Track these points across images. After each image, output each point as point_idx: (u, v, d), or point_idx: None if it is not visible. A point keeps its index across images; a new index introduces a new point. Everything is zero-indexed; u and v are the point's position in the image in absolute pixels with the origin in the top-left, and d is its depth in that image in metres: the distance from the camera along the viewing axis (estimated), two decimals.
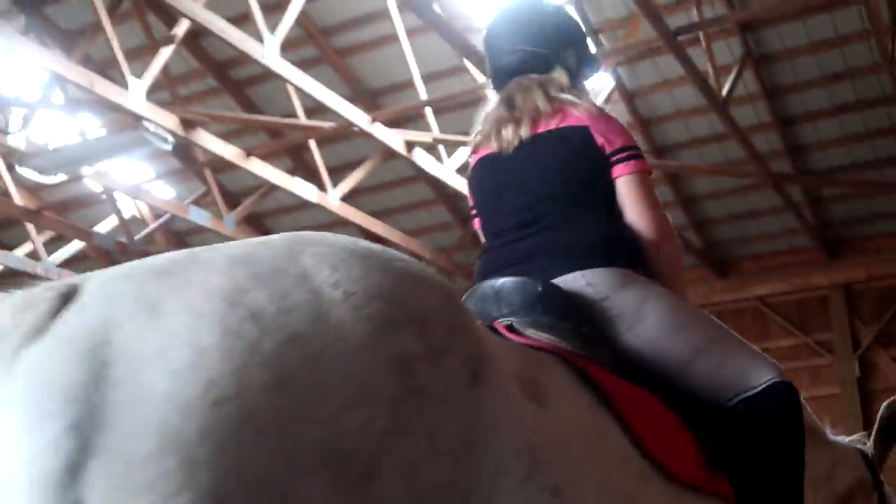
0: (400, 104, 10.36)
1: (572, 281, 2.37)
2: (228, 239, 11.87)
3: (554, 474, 1.72)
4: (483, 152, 2.69)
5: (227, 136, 10.01)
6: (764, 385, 2.30)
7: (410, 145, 9.84)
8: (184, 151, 11.56)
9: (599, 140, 2.52)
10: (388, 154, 10.26)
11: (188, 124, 8.80)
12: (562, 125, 2.54)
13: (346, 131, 9.77)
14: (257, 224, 13.02)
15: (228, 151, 9.47)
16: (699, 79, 8.71)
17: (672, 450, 2.09)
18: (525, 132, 2.56)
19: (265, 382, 1.36)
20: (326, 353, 1.42)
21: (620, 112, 10.39)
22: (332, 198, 10.39)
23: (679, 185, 11.93)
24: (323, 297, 1.46)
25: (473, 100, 8.70)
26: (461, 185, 10.47)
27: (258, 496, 1.33)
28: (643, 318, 2.35)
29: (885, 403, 3.38)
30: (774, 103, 10.67)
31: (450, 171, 10.28)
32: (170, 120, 8.53)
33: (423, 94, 9.47)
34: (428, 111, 9.88)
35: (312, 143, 10.22)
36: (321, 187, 10.35)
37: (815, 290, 12.40)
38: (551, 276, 2.37)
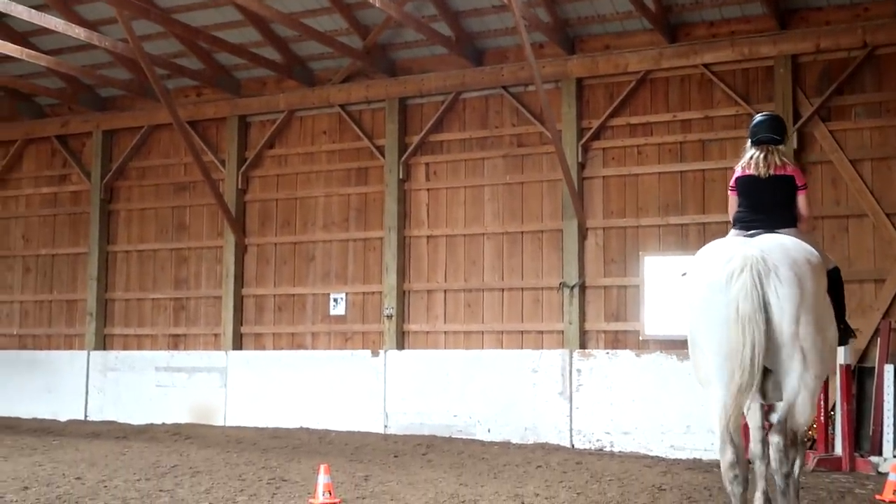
0: None
1: (784, 230, 6.47)
2: None
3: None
4: (747, 172, 6.76)
5: None
6: (832, 266, 6.60)
7: None
8: None
9: (797, 181, 6.77)
10: None
11: None
12: (786, 173, 6.73)
13: None
14: None
15: None
16: None
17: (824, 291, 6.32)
18: (772, 172, 6.69)
19: (817, 279, 6.15)
20: (820, 269, 6.26)
21: None
22: None
23: None
24: (819, 259, 6.31)
25: None
26: None
27: (811, 317, 6.03)
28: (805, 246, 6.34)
29: None
30: None
31: None
32: None
33: None
34: None
35: None
36: None
37: (762, 59, 12.39)
38: (775, 228, 6.48)
